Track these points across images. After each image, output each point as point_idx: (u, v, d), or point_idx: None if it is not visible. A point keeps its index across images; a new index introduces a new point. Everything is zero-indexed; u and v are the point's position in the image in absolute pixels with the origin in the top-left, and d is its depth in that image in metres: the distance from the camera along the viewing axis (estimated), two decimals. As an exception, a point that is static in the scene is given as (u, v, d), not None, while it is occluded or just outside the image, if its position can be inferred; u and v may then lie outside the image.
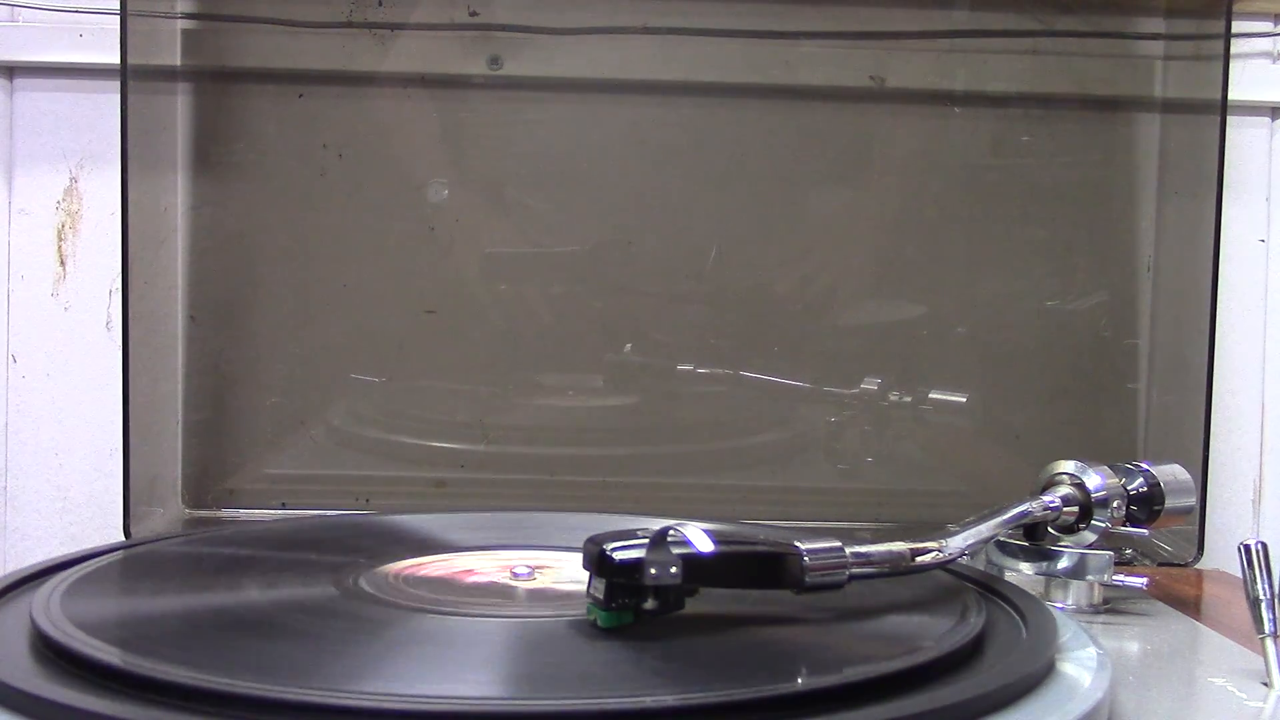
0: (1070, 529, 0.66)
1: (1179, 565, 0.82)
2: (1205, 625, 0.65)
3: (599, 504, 0.85)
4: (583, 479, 0.88)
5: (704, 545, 0.48)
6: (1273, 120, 0.93)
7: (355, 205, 0.88)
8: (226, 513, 0.87)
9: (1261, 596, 0.53)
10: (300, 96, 0.87)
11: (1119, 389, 0.90)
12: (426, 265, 0.88)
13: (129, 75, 0.79)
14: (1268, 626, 0.53)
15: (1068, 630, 0.54)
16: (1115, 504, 0.66)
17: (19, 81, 0.89)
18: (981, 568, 0.66)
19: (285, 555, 0.63)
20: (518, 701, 0.43)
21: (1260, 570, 0.53)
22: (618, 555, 0.47)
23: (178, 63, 0.86)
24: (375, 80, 0.87)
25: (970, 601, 0.55)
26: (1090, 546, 0.66)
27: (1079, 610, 0.65)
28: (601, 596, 0.48)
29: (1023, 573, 0.66)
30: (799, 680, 0.45)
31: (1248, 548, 0.54)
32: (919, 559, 0.55)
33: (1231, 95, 0.84)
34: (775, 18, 0.88)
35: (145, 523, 0.82)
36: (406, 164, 0.88)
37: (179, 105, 0.87)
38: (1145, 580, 0.65)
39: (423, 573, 0.60)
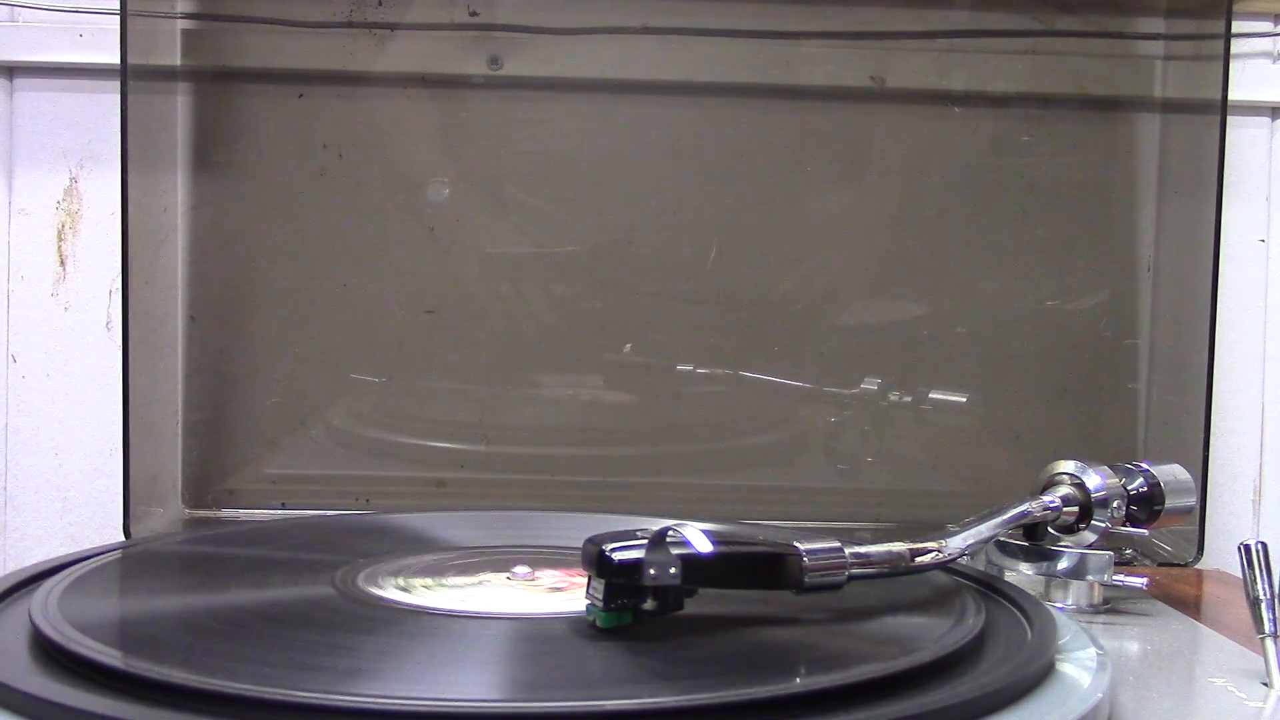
0: (1070, 529, 0.66)
1: (1179, 565, 0.82)
2: (1205, 625, 0.65)
3: (599, 504, 0.85)
4: (583, 479, 0.88)
5: (703, 546, 0.48)
6: (1273, 120, 0.93)
7: (355, 205, 0.88)
8: (226, 513, 0.87)
9: (1261, 596, 0.53)
10: (300, 96, 0.87)
11: (1119, 389, 0.90)
12: (426, 265, 0.88)
13: (129, 75, 0.79)
14: (1268, 626, 0.53)
15: (1068, 630, 0.54)
16: (1115, 504, 0.66)
17: (19, 81, 0.89)
18: (981, 568, 0.66)
19: (285, 555, 0.63)
20: (517, 702, 0.43)
21: (1260, 570, 0.53)
22: (617, 556, 0.47)
23: (178, 63, 0.86)
24: (375, 80, 0.87)
25: (970, 601, 0.55)
26: (1090, 546, 0.66)
27: (1079, 610, 0.65)
28: (601, 597, 0.48)
29: (1023, 573, 0.66)
30: (799, 680, 0.45)
31: (1248, 548, 0.54)
32: (918, 559, 0.55)
33: (1231, 95, 0.84)
34: (775, 18, 0.88)
35: (145, 523, 0.82)
36: (406, 164, 0.88)
37: (179, 105, 0.87)
38: (1145, 580, 0.65)
39: (421, 572, 0.60)
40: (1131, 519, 0.67)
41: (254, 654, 0.47)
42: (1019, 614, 0.56)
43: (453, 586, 0.58)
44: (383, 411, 0.89)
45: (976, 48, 0.89)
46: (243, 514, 0.87)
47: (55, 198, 0.89)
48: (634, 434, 0.90)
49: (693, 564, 0.48)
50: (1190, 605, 0.71)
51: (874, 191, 0.91)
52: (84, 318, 0.90)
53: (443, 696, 0.43)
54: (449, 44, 0.88)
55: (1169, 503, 0.67)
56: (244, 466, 0.88)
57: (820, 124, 0.90)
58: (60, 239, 0.90)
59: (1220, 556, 0.84)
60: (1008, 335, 0.90)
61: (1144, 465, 0.68)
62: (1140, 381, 0.90)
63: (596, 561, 0.48)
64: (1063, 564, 0.65)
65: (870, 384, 0.89)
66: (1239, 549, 0.54)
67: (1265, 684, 0.53)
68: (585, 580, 0.50)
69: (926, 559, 0.56)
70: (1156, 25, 0.90)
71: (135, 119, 0.80)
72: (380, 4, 0.86)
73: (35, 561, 0.60)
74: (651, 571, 0.47)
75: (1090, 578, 0.65)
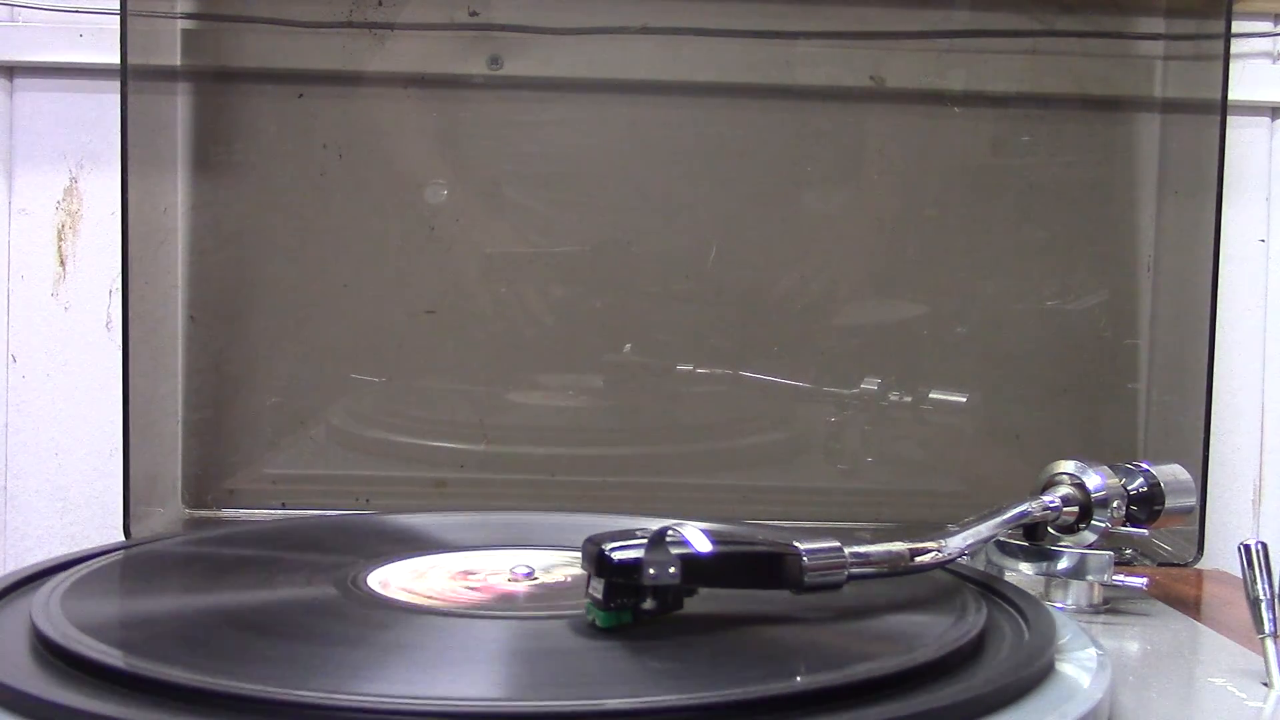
0: (1070, 529, 0.66)
1: (1179, 565, 0.82)
2: (1205, 625, 0.65)
3: (599, 504, 0.85)
4: (583, 479, 0.88)
5: (702, 545, 0.48)
6: (1273, 120, 0.93)
7: (355, 205, 0.88)
8: (226, 513, 0.87)
9: (1261, 596, 0.53)
10: (300, 96, 0.87)
11: (1119, 389, 0.90)
12: (426, 265, 0.88)
13: (129, 75, 0.79)
14: (1268, 626, 0.53)
15: (1068, 630, 0.54)
16: (1115, 504, 0.66)
17: (19, 81, 0.89)
18: (981, 568, 0.66)
19: (285, 555, 0.63)
20: (517, 702, 0.43)
21: (1260, 570, 0.53)
22: (616, 555, 0.47)
23: (178, 63, 0.86)
24: (375, 80, 0.87)
25: (970, 601, 0.55)
26: (1090, 546, 0.66)
27: (1079, 610, 0.65)
28: (600, 596, 0.48)
29: (1023, 573, 0.66)
30: (799, 680, 0.45)
31: (1248, 548, 0.54)
32: (918, 559, 0.55)
33: (1231, 95, 0.84)
34: (775, 18, 0.88)
35: (145, 523, 0.82)
36: (406, 164, 0.88)
37: (179, 105, 0.87)
38: (1145, 580, 0.65)
39: (422, 572, 0.60)
40: (1131, 519, 0.67)
41: (254, 654, 0.47)
42: (1019, 614, 0.56)
43: (452, 586, 0.58)
44: (383, 411, 0.89)
45: (976, 48, 0.89)
46: (243, 514, 0.87)
47: (55, 198, 0.89)
48: (634, 434, 0.90)
49: (692, 563, 0.48)
50: (1190, 605, 0.71)
51: (874, 191, 0.91)
52: (84, 318, 0.90)
53: (443, 696, 0.43)
54: (449, 44, 0.88)
55: (1169, 503, 0.67)
56: (244, 466, 0.88)
57: (820, 124, 0.90)
58: (60, 239, 0.90)
59: (1220, 556, 0.84)
60: (1008, 335, 0.90)
61: (1144, 465, 0.68)
62: (1140, 381, 0.90)
63: (596, 561, 0.48)
64: (1063, 564, 0.65)
65: (870, 384, 0.89)
66: (1239, 549, 0.54)
67: (1265, 684, 0.53)
68: (585, 580, 0.50)
69: (926, 559, 0.56)
70: (1156, 25, 0.90)
71: (135, 119, 0.80)
72: (380, 4, 0.86)
73: (35, 561, 0.60)
74: (651, 571, 0.47)
75: (1090, 578, 0.65)
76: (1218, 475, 0.90)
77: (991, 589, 0.60)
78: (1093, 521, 0.66)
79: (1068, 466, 0.67)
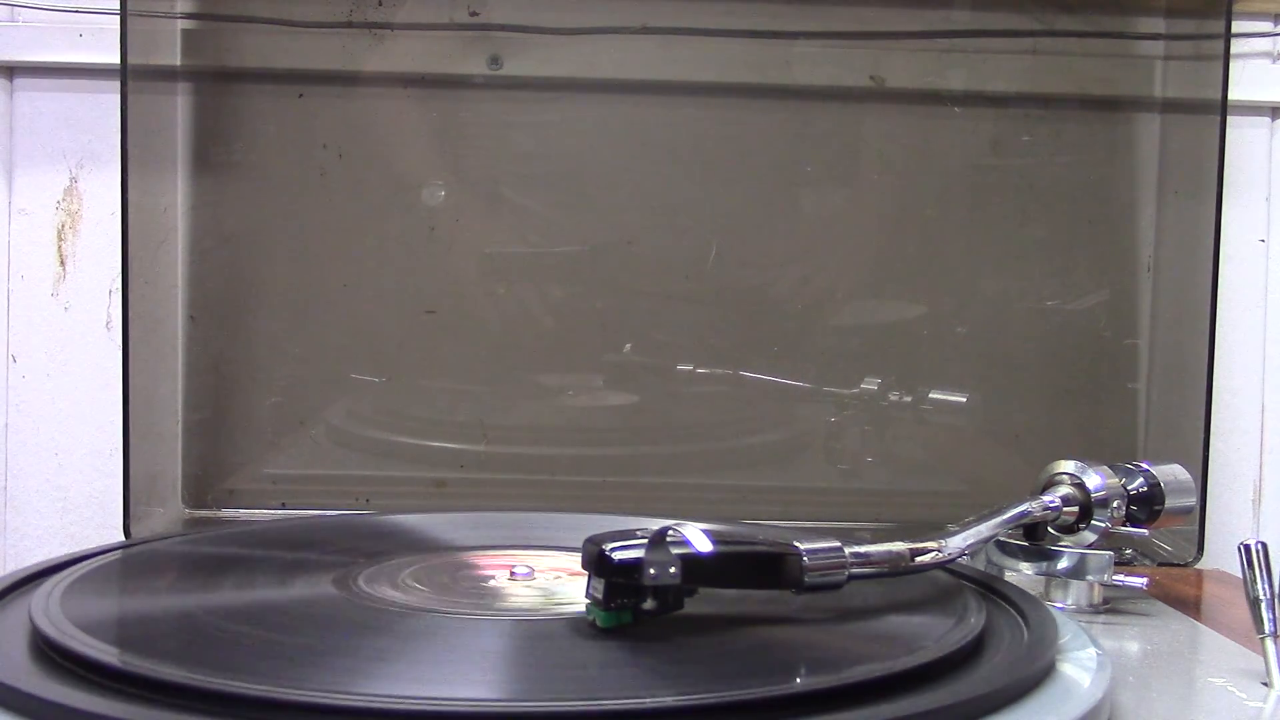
0: (1070, 529, 0.66)
1: (1179, 565, 0.82)
2: (1205, 625, 0.65)
3: (599, 504, 0.85)
4: (583, 479, 0.88)
5: (703, 545, 0.48)
6: (1273, 120, 0.93)
7: (355, 205, 0.88)
8: (226, 513, 0.87)
9: (1261, 596, 0.53)
10: (300, 96, 0.87)
11: (1119, 389, 0.90)
12: (426, 265, 0.88)
13: (129, 75, 0.79)
14: (1268, 626, 0.53)
15: (1068, 630, 0.54)
16: (1115, 504, 0.66)
17: (19, 81, 0.89)
18: (981, 568, 0.66)
19: (285, 555, 0.63)
20: (516, 702, 0.43)
21: (1260, 570, 0.53)
22: (617, 555, 0.47)
23: (178, 63, 0.86)
24: (375, 80, 0.87)
25: (970, 602, 0.55)
26: (1090, 546, 0.66)
27: (1079, 610, 0.65)
28: (600, 596, 0.48)
29: (1023, 573, 0.66)
30: (799, 680, 0.45)
31: (1248, 548, 0.54)
32: (918, 559, 0.55)
33: (1231, 95, 0.84)
34: (774, 18, 0.88)
35: (145, 523, 0.82)
36: (406, 164, 0.88)
37: (179, 105, 0.87)
38: (1145, 580, 0.65)
39: (422, 573, 0.60)
40: (1131, 519, 0.67)
41: (254, 654, 0.47)
42: (1019, 614, 0.56)
43: (453, 587, 0.58)
44: (383, 411, 0.89)
45: (976, 47, 0.89)
46: (243, 514, 0.87)
47: (55, 198, 0.89)
48: (634, 434, 0.90)
49: (692, 563, 0.48)
50: (1190, 605, 0.71)
51: (874, 191, 0.91)
52: (84, 318, 0.90)
53: (443, 696, 0.43)
54: (449, 44, 0.88)
55: (1169, 503, 0.67)
56: (244, 466, 0.88)
57: (820, 124, 0.90)
58: (60, 239, 0.90)
59: (1220, 556, 0.84)
60: (1008, 335, 0.90)
61: (1144, 465, 0.68)
62: (1140, 381, 0.90)
63: (596, 561, 0.48)
64: (1063, 564, 0.65)
65: (870, 384, 0.89)
66: (1239, 549, 0.54)
67: (1265, 684, 0.53)
68: (585, 580, 0.50)
69: (926, 559, 0.56)
70: (1156, 25, 0.90)
71: (135, 119, 0.80)
72: (380, 4, 0.86)
73: (35, 561, 0.60)
74: (651, 571, 0.47)
75: (1090, 578, 0.65)
76: (1218, 475, 0.90)
77: (992, 589, 0.60)
78: (1093, 521, 0.66)
79: (1068, 466, 0.67)
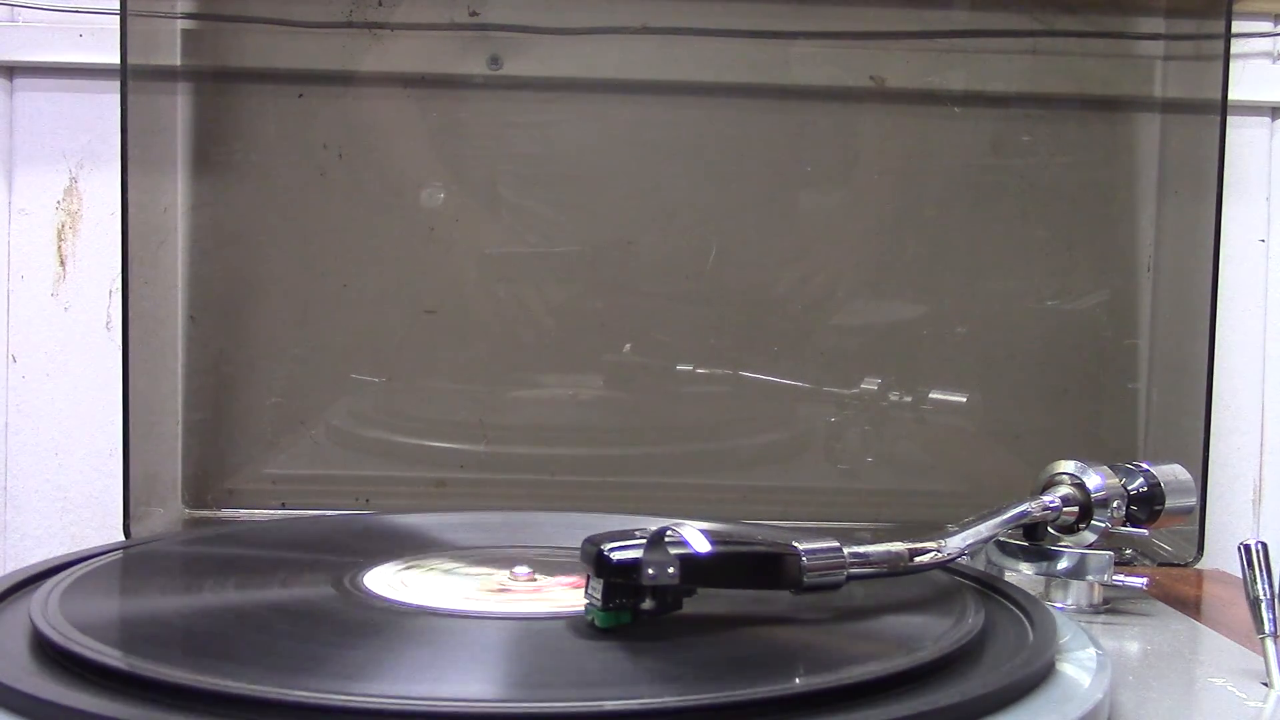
0: (1070, 529, 0.66)
1: (1179, 565, 0.82)
2: (1205, 625, 0.65)
3: (599, 504, 0.85)
4: (583, 479, 0.88)
5: (701, 546, 0.48)
6: (1273, 120, 0.93)
7: (355, 205, 0.88)
8: (226, 513, 0.87)
9: (1261, 596, 0.53)
10: (300, 96, 0.87)
11: (1119, 389, 0.90)
12: (426, 265, 0.88)
13: (129, 75, 0.79)
14: (1268, 626, 0.53)
15: (1068, 630, 0.54)
16: (1115, 504, 0.66)
17: (19, 81, 0.89)
18: (981, 568, 0.66)
19: (285, 555, 0.63)
20: (516, 702, 0.43)
21: (1260, 570, 0.53)
22: (615, 556, 0.47)
23: (178, 63, 0.86)
24: (376, 80, 0.87)
25: (970, 601, 0.55)
26: (1090, 546, 0.66)
27: (1079, 610, 0.65)
28: (599, 597, 0.48)
29: (1023, 573, 0.66)
30: (798, 680, 0.45)
31: (1248, 548, 0.54)
32: (917, 559, 0.55)
33: (1231, 95, 0.84)
34: (774, 18, 0.88)
35: (145, 523, 0.82)
36: (406, 164, 0.88)
37: (179, 105, 0.87)
38: (1145, 580, 0.65)
39: (422, 572, 0.60)
40: (1131, 519, 0.67)
41: (254, 654, 0.47)
42: (1019, 614, 0.56)
43: (453, 587, 0.58)
44: (383, 411, 0.89)
45: (976, 48, 0.89)
46: (243, 514, 0.87)
47: (55, 198, 0.90)
48: (634, 434, 0.90)
49: (691, 564, 0.48)
50: (1190, 605, 0.71)
51: (874, 191, 0.91)
52: (84, 318, 0.90)
53: (443, 696, 0.43)
54: (449, 44, 0.88)
55: (1169, 503, 0.67)
56: (244, 466, 0.88)
57: (820, 124, 0.90)
58: (60, 239, 0.90)
59: (1220, 556, 0.84)
60: (1008, 335, 0.90)
61: (1144, 465, 0.68)
62: (1140, 381, 0.90)
63: (595, 561, 0.48)
64: (1063, 564, 0.65)
65: (870, 384, 0.89)
66: (1239, 549, 0.54)
67: (1265, 684, 0.53)
68: (584, 580, 0.50)
69: (926, 559, 0.56)
70: (1156, 25, 0.90)
71: (135, 119, 0.80)
72: (380, 4, 0.86)
73: (35, 561, 0.60)
74: (650, 571, 0.47)
75: (1090, 578, 0.65)
76: (1218, 475, 0.90)
77: (992, 589, 0.60)
78: (1093, 521, 0.66)
79: (1068, 466, 0.67)
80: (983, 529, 0.60)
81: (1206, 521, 0.82)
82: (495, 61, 0.87)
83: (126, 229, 0.81)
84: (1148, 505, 0.67)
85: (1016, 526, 0.64)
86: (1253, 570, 0.53)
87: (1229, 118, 0.84)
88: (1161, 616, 0.66)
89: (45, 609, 0.50)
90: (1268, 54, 0.92)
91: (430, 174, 0.88)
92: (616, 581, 0.48)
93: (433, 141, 0.88)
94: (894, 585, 0.56)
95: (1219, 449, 0.91)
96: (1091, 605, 0.66)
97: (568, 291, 0.89)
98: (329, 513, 0.84)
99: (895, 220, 0.91)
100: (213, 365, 0.87)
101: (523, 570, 0.59)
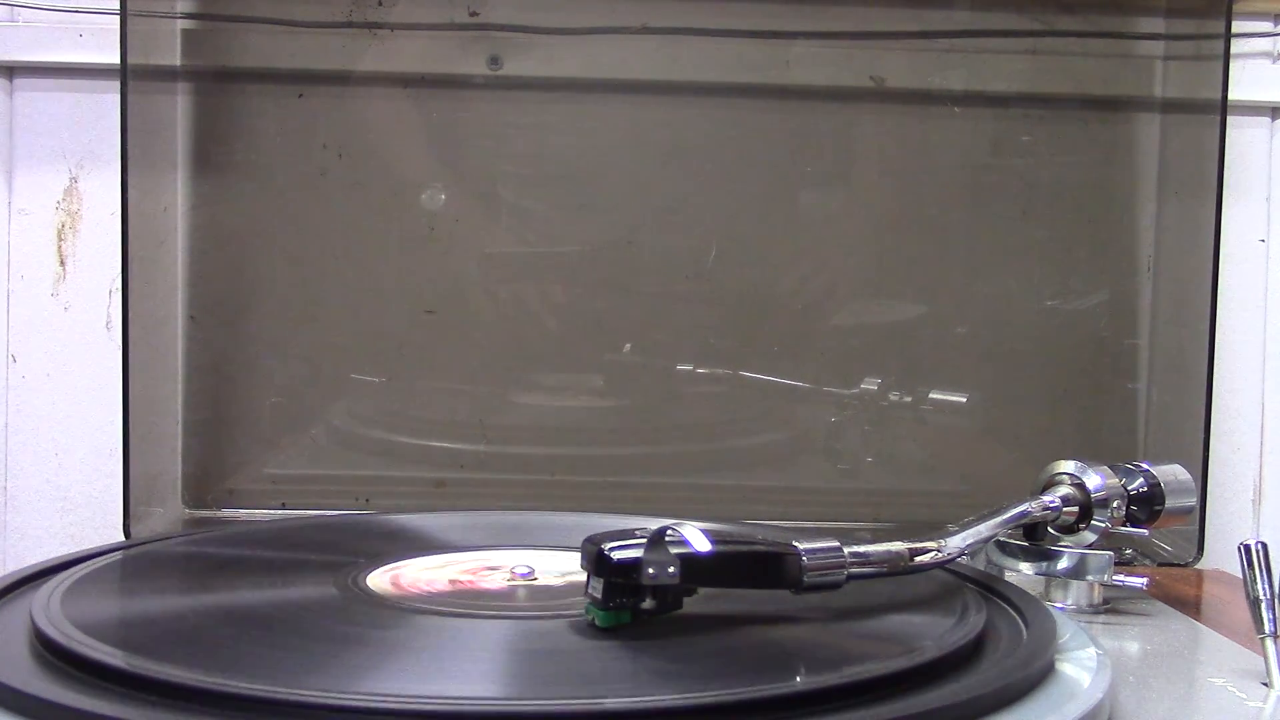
0: (1070, 529, 0.66)
1: (1179, 565, 0.82)
2: (1205, 625, 0.65)
3: (599, 504, 0.85)
4: (583, 479, 0.88)
5: (701, 545, 0.48)
6: (1273, 120, 0.93)
7: (355, 205, 0.88)
8: (226, 513, 0.87)
9: (1261, 596, 0.53)
10: (300, 96, 0.87)
11: (1119, 389, 0.90)
12: (426, 265, 0.88)
13: (129, 75, 0.80)
14: (1268, 626, 0.53)
15: (1068, 630, 0.54)
16: (1115, 504, 0.66)
17: (19, 81, 0.89)
18: (981, 568, 0.66)
19: (285, 555, 0.63)
20: (516, 702, 0.43)
21: (1260, 570, 0.53)
22: (616, 555, 0.47)
23: (178, 63, 0.86)
24: (375, 80, 0.87)
25: (970, 601, 0.55)
26: (1090, 546, 0.66)
27: (1079, 610, 0.65)
28: (599, 596, 0.48)
29: (1023, 573, 0.66)
30: (798, 680, 0.45)
31: (1248, 548, 0.54)
32: (917, 559, 0.55)
33: (1231, 95, 0.84)
34: (774, 18, 0.88)
35: (145, 523, 0.82)
36: (406, 164, 0.88)
37: (179, 105, 0.87)
38: (1145, 580, 0.65)
39: (422, 572, 0.60)
40: (1131, 519, 0.67)
41: (254, 654, 0.47)
42: (1018, 614, 0.56)
43: (453, 586, 0.58)
44: (383, 411, 0.89)
45: (976, 48, 0.89)
46: (243, 514, 0.87)
47: (55, 198, 0.90)
48: (634, 434, 0.90)
49: (691, 563, 0.48)
50: (1190, 605, 0.71)
51: (874, 191, 0.91)
52: (84, 318, 0.90)
53: (443, 696, 0.43)
54: (449, 44, 0.88)
55: (1169, 503, 0.67)
56: (244, 466, 0.88)
57: (820, 124, 0.90)
58: (60, 239, 0.90)
59: (1220, 556, 0.84)
60: (1008, 335, 0.90)
61: (1144, 465, 0.68)
62: (1140, 381, 0.90)
63: (595, 560, 0.48)
64: (1063, 564, 0.65)
65: (870, 384, 0.89)
66: (1239, 549, 0.54)
67: (1265, 684, 0.53)
68: (584, 579, 0.50)
69: (926, 559, 0.56)
70: (1156, 25, 0.90)
71: (135, 119, 0.80)
72: (380, 4, 0.86)
73: (35, 561, 0.60)
74: (650, 571, 0.47)
75: (1090, 578, 0.65)
76: (1218, 475, 0.90)
77: (991, 589, 0.60)
78: (1093, 521, 0.66)
79: (1068, 466, 0.67)
80: (983, 529, 0.60)
81: (1206, 521, 0.82)
82: (495, 61, 0.87)
83: (126, 229, 0.81)
84: (1148, 505, 0.67)
85: (1016, 526, 0.64)
86: (1253, 570, 0.53)
87: (1229, 118, 0.84)
88: (1161, 616, 0.66)
89: (46, 609, 0.50)
90: (1268, 54, 0.92)
91: (430, 174, 0.88)
92: (616, 581, 0.48)
93: (433, 141, 0.88)
94: (894, 585, 0.56)
95: (1219, 449, 0.91)
96: (1091, 605, 0.66)
97: (568, 291, 0.89)
98: (329, 513, 0.84)
99: (895, 220, 0.91)
100: (213, 365, 0.87)
101: (523, 570, 0.59)
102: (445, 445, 0.89)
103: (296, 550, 0.64)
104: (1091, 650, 0.51)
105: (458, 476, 0.88)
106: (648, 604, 0.49)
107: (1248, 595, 0.53)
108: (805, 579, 0.51)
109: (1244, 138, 0.92)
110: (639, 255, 0.89)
